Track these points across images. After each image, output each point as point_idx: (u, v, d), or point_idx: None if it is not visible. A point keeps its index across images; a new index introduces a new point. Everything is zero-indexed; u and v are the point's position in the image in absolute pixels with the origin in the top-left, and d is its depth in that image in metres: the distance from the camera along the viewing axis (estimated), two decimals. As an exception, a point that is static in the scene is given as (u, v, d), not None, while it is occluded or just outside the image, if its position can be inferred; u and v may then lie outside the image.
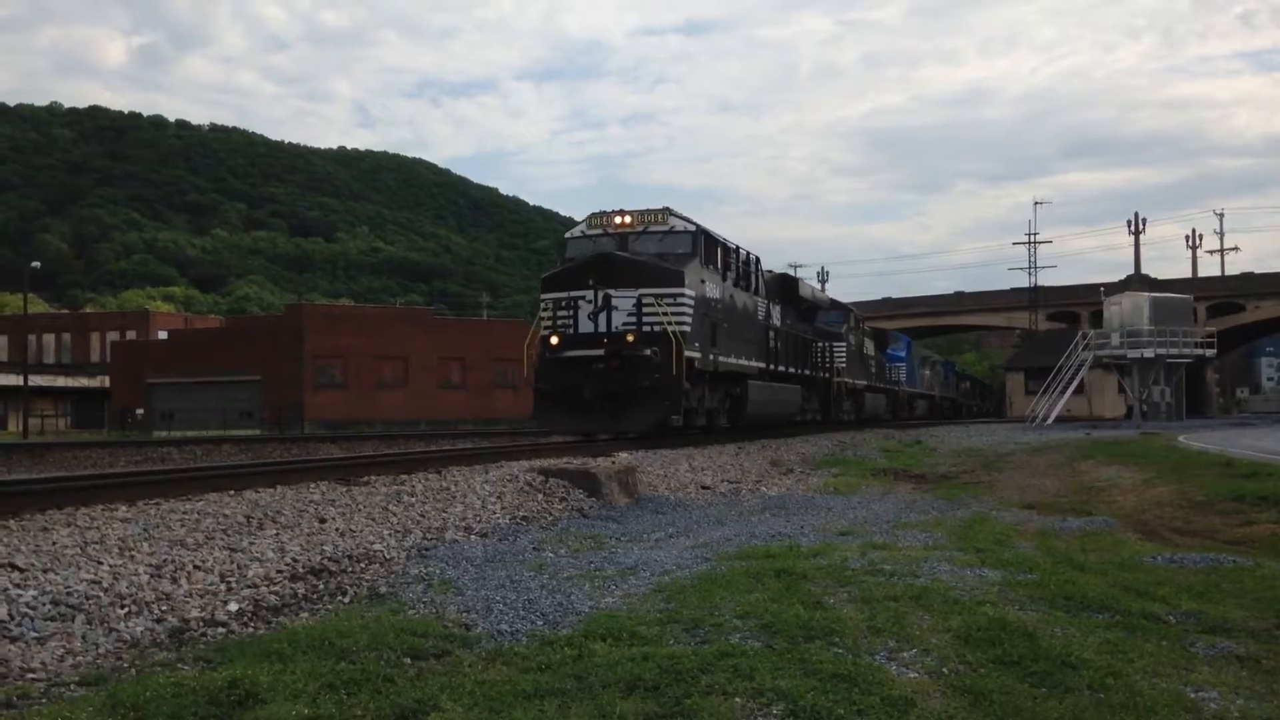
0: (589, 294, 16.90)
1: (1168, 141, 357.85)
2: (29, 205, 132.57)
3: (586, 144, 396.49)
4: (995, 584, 6.43)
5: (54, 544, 6.43)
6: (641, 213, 18.13)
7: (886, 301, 77.44)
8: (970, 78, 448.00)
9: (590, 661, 4.60)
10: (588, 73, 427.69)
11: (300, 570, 6.70)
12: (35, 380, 62.03)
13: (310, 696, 4.12)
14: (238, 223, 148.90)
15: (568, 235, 19.10)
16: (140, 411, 57.38)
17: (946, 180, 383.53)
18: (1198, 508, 10.76)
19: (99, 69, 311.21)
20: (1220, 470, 13.61)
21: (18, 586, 5.46)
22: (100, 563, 6.09)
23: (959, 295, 78.49)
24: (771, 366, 22.30)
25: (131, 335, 74.15)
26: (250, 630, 5.42)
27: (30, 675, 4.48)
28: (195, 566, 6.31)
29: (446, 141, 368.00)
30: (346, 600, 6.15)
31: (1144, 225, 67.11)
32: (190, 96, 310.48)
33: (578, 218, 19.33)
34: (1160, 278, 66.68)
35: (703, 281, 18.01)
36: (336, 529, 7.99)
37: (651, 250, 17.61)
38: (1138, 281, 62.94)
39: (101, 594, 5.56)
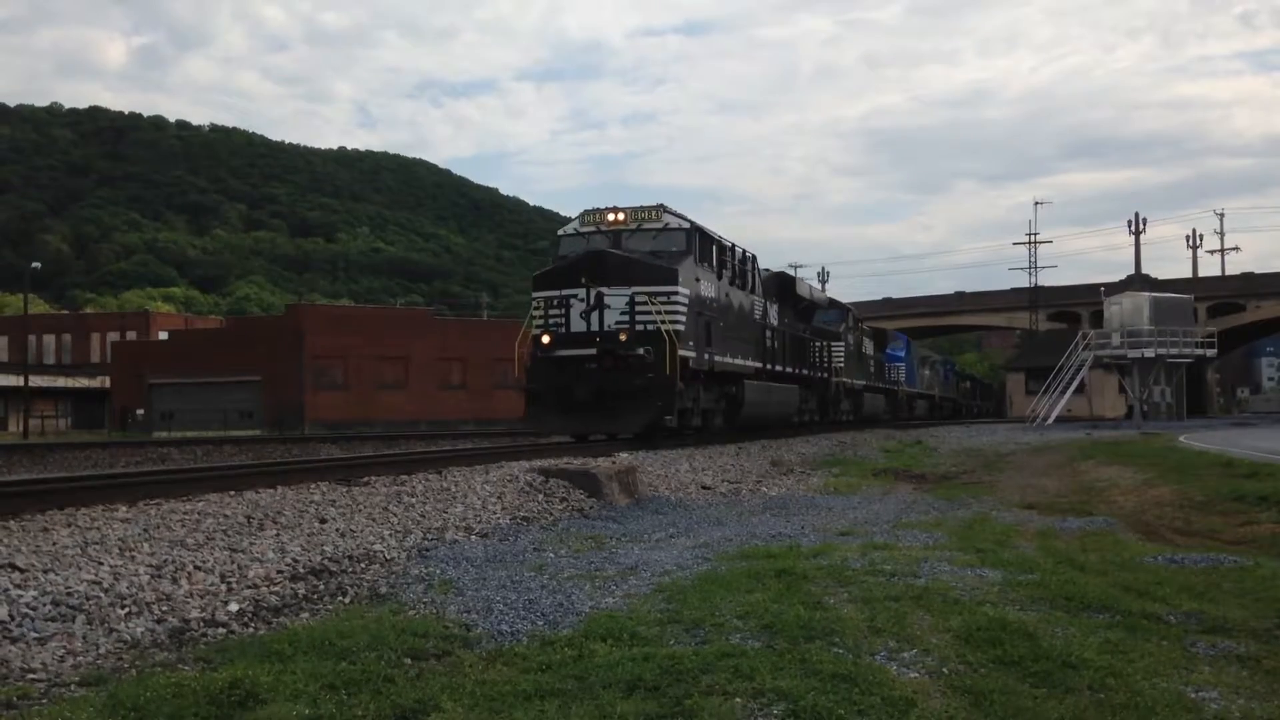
0: (581, 292, 16.63)
1: (1168, 141, 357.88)
2: (29, 206, 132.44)
3: (587, 144, 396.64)
4: (996, 584, 6.42)
5: (54, 544, 6.43)
6: (635, 210, 17.80)
7: (886, 301, 77.54)
8: (970, 78, 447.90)
9: (591, 662, 4.60)
10: (588, 73, 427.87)
11: (301, 570, 6.71)
12: (35, 381, 62.03)
13: (311, 697, 4.12)
14: (238, 223, 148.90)
15: (560, 232, 18.79)
16: (140, 412, 57.40)
17: (946, 180, 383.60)
18: (1198, 508, 10.76)
19: (99, 70, 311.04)
20: (1221, 470, 13.60)
21: (18, 587, 5.46)
22: (100, 563, 6.09)
23: (959, 295, 78.60)
24: (768, 366, 22.11)
25: (132, 336, 74.19)
26: (251, 631, 5.42)
27: (31, 676, 4.48)
28: (196, 567, 6.31)
29: (447, 142, 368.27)
30: (347, 600, 6.15)
31: (1144, 225, 67.23)
32: (190, 97, 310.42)
33: (577, 218, 19.20)
34: (1160, 278, 66.75)
35: (697, 280, 17.78)
36: (337, 529, 7.99)
37: (645, 248, 17.32)
38: (1138, 281, 62.96)
39: (102, 594, 5.56)
